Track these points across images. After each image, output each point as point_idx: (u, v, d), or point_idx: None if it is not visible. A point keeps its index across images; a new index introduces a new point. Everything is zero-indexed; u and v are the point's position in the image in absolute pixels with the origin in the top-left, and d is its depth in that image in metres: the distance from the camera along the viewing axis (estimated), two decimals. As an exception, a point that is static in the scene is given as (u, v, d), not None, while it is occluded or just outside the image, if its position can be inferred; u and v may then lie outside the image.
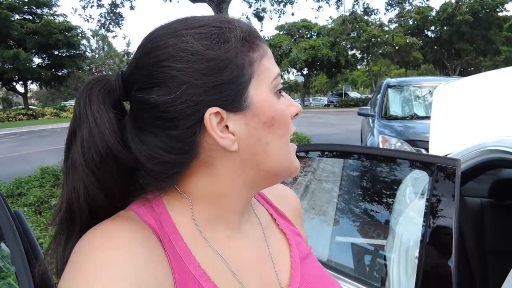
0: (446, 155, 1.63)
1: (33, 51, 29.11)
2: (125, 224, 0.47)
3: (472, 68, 38.12)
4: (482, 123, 2.01)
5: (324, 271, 0.64)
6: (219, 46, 0.47)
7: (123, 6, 8.99)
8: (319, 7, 10.42)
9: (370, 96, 29.54)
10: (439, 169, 1.15)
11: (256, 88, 0.49)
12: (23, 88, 31.68)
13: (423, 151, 3.96)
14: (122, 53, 36.99)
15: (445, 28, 33.71)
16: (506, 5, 31.43)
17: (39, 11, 30.19)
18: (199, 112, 0.46)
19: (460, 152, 1.63)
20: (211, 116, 0.46)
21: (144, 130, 0.48)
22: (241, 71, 0.48)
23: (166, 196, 0.52)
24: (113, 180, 0.50)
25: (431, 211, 1.14)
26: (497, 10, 31.83)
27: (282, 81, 0.56)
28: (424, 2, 10.12)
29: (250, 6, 9.65)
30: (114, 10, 8.91)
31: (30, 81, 31.23)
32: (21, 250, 0.66)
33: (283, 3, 9.71)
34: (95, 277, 0.39)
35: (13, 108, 34.35)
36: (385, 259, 1.76)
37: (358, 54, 37.25)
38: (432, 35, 36.23)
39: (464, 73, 35.28)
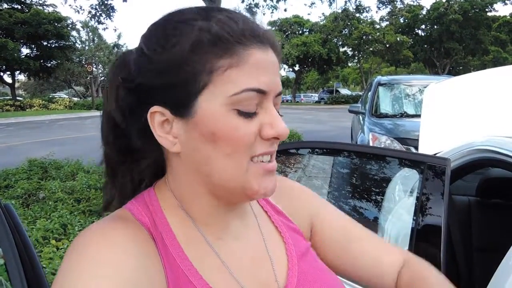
0: (435, 154, 1.66)
1: (22, 41, 28.50)
2: (119, 223, 0.48)
3: (461, 67, 38.59)
4: (471, 123, 2.04)
5: (325, 267, 0.62)
6: (168, 49, 0.47)
7: (115, -3, 8.87)
8: (312, 3, 10.40)
9: (360, 93, 29.72)
10: (429, 168, 1.17)
11: (207, 99, 0.47)
12: (10, 78, 31.07)
13: (413, 149, 4.00)
14: (112, 45, 36.60)
15: (435, 27, 34.04)
16: (495, 5, 31.85)
17: (28, 0, 29.59)
18: (147, 109, 0.49)
19: (449, 151, 1.66)
20: (154, 114, 0.49)
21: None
22: (192, 77, 0.46)
23: (160, 195, 0.54)
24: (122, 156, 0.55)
25: (420, 209, 1.16)
26: (486, 10, 32.23)
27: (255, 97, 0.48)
28: (416, 0, 10.19)
29: (242, 1, 9.60)
30: (106, 2, 8.78)
31: (18, 72, 30.61)
32: (12, 243, 0.66)
33: (276, -2, 9.67)
34: (89, 275, 0.40)
35: (0, 98, 33.74)
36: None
37: (349, 51, 37.43)
38: (423, 34, 36.55)
39: (453, 72, 35.72)
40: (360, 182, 2.27)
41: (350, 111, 6.27)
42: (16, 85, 34.02)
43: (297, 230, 0.65)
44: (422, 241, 1.14)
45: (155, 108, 0.49)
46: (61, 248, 2.86)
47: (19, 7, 29.07)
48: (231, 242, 0.55)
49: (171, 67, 0.47)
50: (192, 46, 0.46)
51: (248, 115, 0.47)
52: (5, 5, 28.00)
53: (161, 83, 0.48)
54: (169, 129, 0.49)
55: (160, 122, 0.49)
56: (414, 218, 1.18)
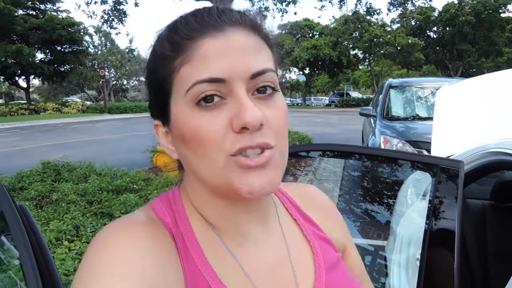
0: (448, 157, 1.63)
1: (36, 46, 29.08)
2: (140, 222, 0.48)
3: (474, 70, 38.03)
4: (485, 125, 2.01)
5: (355, 280, 0.60)
6: (150, 58, 0.50)
7: (127, 3, 8.99)
8: (322, 6, 10.38)
9: (371, 96, 29.49)
10: (442, 171, 1.15)
11: (174, 101, 0.47)
12: (25, 83, 31.67)
13: (425, 152, 3.96)
14: (126, 49, 37.00)
15: (447, 29, 33.67)
16: (508, 6, 31.37)
17: (42, 6, 30.14)
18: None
19: (462, 154, 1.63)
20: (157, 127, 0.53)
21: None
22: (160, 84, 0.48)
23: (184, 195, 0.54)
24: None
25: (433, 212, 1.14)
26: (500, 11, 31.75)
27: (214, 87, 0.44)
28: (427, 2, 10.09)
29: (253, 5, 9.64)
30: (118, 7, 8.90)
31: (33, 76, 31.21)
32: (27, 244, 0.67)
33: (286, 2, 9.69)
34: (107, 272, 0.40)
35: (15, 102, 34.35)
36: (385, 260, 1.77)
37: (360, 54, 37.23)
38: (434, 36, 36.17)
39: (466, 74, 35.22)
40: (371, 185, 2.25)
41: (361, 114, 6.23)
42: (31, 89, 34.63)
43: (328, 240, 0.62)
44: (436, 245, 1.12)
45: (155, 121, 0.53)
46: (73, 249, 2.89)
47: (34, 13, 29.64)
48: (250, 248, 0.53)
49: (148, 81, 0.51)
50: (154, 56, 0.49)
51: (211, 108, 0.45)
52: (20, 11, 28.60)
53: (149, 98, 0.52)
54: (170, 139, 0.52)
55: (164, 133, 0.52)
56: (427, 222, 1.16)
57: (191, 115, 0.45)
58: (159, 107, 0.50)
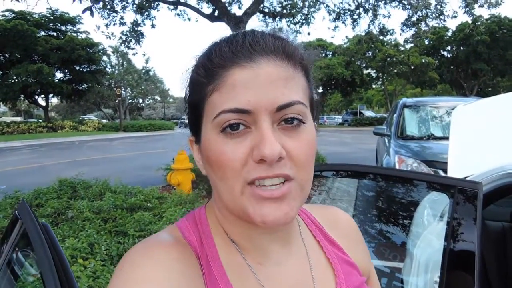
0: (465, 177, 1.61)
1: (56, 66, 30.03)
2: (165, 242, 0.50)
3: (490, 89, 37.58)
4: (502, 146, 1.98)
5: None
6: (189, 81, 0.53)
7: (144, 24, 9.27)
8: (335, 27, 10.50)
9: (385, 115, 29.30)
10: (460, 192, 1.14)
11: (204, 125, 0.50)
12: (44, 101, 32.56)
13: (441, 172, 3.89)
14: (142, 69, 37.76)
15: (461, 48, 33.52)
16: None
17: (63, 28, 31.26)
18: None
19: (480, 175, 1.61)
20: (192, 142, 0.56)
21: None
22: (195, 106, 0.51)
23: (209, 214, 0.56)
24: None
25: (452, 234, 1.13)
26: (515, 30, 31.53)
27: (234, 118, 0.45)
28: (441, 23, 10.12)
29: (267, 26, 9.82)
30: (136, 29, 9.18)
31: (52, 95, 32.09)
32: (50, 261, 0.68)
33: (300, 23, 9.84)
34: None
35: (32, 120, 35.28)
36: (402, 282, 1.73)
37: (373, 73, 37.26)
38: (448, 55, 36.01)
39: (481, 93, 34.83)
40: (386, 206, 2.22)
41: (375, 133, 6.19)
42: (49, 107, 35.54)
43: (352, 263, 0.62)
44: (455, 268, 1.10)
45: (190, 137, 0.56)
46: (88, 267, 2.91)
47: (55, 34, 30.72)
48: (272, 268, 0.54)
49: (187, 101, 0.54)
50: (191, 80, 0.52)
51: (235, 136, 0.46)
52: (42, 32, 29.68)
53: (188, 116, 0.55)
54: (201, 155, 0.54)
55: (197, 148, 0.55)
56: (445, 244, 1.14)
57: (216, 141, 0.47)
58: (194, 126, 0.53)
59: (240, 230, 0.53)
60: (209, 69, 0.48)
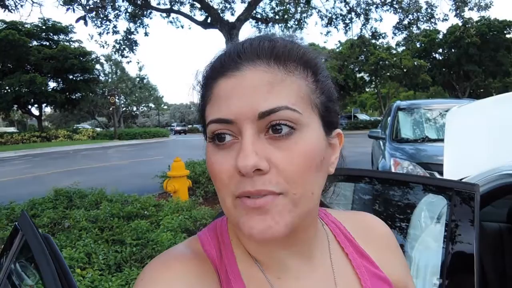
0: (461, 179, 1.63)
1: (49, 75, 29.88)
2: (184, 256, 0.49)
3: (482, 90, 37.96)
4: (498, 147, 2.00)
5: None
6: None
7: (138, 32, 9.28)
8: (328, 31, 10.58)
9: (379, 118, 29.45)
10: (457, 194, 1.16)
11: (206, 134, 0.50)
12: (38, 111, 32.37)
13: (436, 174, 3.92)
14: (136, 77, 37.66)
15: (452, 50, 33.88)
16: (513, 27, 31.57)
17: (56, 37, 31.17)
18: None
19: (476, 176, 1.63)
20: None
21: None
22: (200, 115, 0.52)
23: (230, 224, 0.54)
24: None
25: (450, 236, 1.14)
26: (505, 32, 31.96)
27: (222, 127, 0.44)
28: (432, 26, 10.23)
29: (260, 32, 9.87)
30: (129, 37, 9.18)
31: (45, 104, 31.93)
32: (53, 272, 0.68)
33: (292, 29, 9.90)
34: None
35: (27, 131, 35.04)
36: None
37: (366, 77, 37.48)
38: (440, 58, 36.37)
39: (473, 94, 35.17)
40: (383, 209, 2.23)
41: (370, 137, 6.23)
42: (42, 117, 35.35)
43: (384, 278, 0.58)
44: (455, 270, 1.11)
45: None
46: (86, 277, 2.88)
47: (48, 43, 30.63)
48: (291, 282, 0.52)
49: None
50: (201, 97, 0.51)
51: (222, 147, 0.45)
52: (34, 42, 29.57)
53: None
54: None
55: None
56: (444, 246, 1.15)
57: (209, 151, 0.47)
58: (204, 134, 0.52)
59: (256, 245, 0.51)
60: (203, 81, 0.50)
